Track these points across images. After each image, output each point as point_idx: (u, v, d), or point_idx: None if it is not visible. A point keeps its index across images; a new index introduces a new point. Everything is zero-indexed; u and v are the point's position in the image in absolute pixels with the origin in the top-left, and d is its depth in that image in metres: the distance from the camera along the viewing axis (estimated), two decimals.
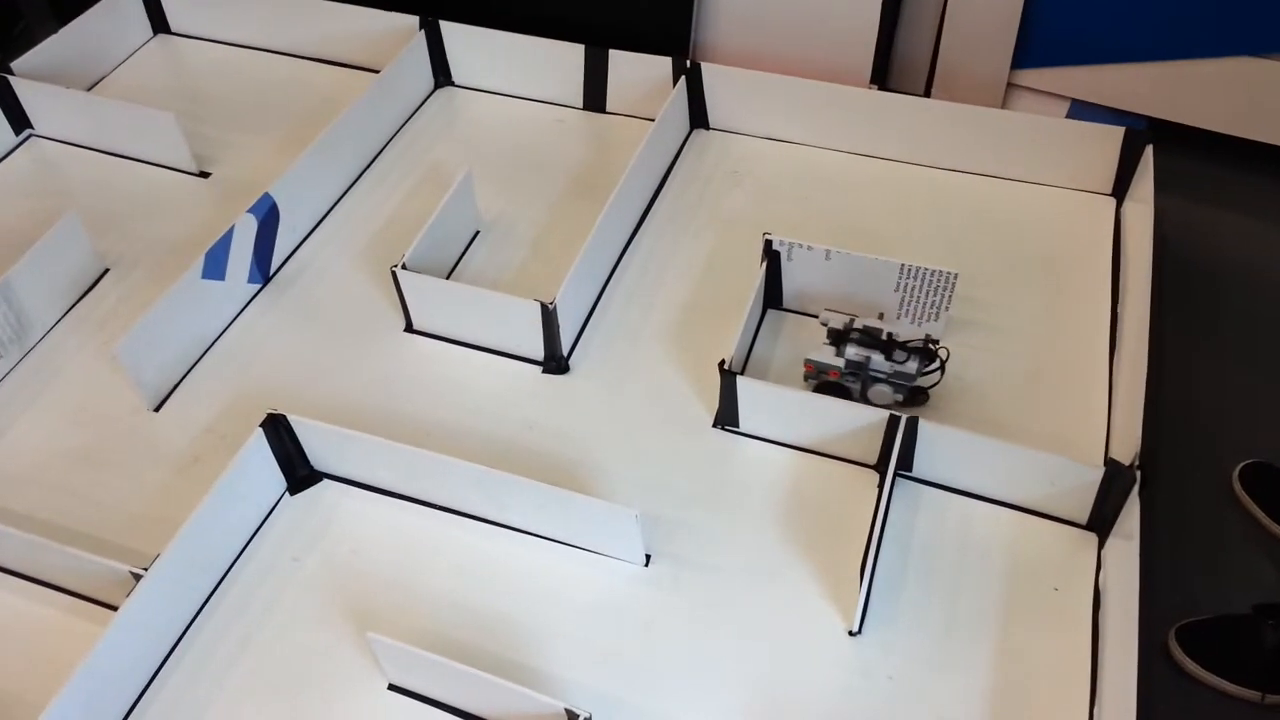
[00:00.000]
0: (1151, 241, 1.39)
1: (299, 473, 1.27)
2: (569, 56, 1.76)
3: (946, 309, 1.36)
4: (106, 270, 1.55)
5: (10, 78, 1.73)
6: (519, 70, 1.81)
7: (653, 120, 1.62)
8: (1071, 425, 1.29)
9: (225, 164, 1.72)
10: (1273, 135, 1.71)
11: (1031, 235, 1.54)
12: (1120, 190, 1.58)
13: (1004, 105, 1.86)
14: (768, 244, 1.38)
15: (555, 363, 1.39)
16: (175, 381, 1.40)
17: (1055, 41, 1.77)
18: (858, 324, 1.29)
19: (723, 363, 1.26)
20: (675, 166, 1.69)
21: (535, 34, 1.76)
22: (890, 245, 1.50)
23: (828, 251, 1.36)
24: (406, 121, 1.80)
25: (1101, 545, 1.18)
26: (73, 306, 1.50)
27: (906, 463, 1.23)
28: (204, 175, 1.70)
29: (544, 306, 1.32)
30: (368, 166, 1.71)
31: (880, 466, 1.25)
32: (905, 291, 1.36)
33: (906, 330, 1.36)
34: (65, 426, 1.35)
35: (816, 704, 1.07)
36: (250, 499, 1.22)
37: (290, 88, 1.88)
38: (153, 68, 1.95)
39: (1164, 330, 1.50)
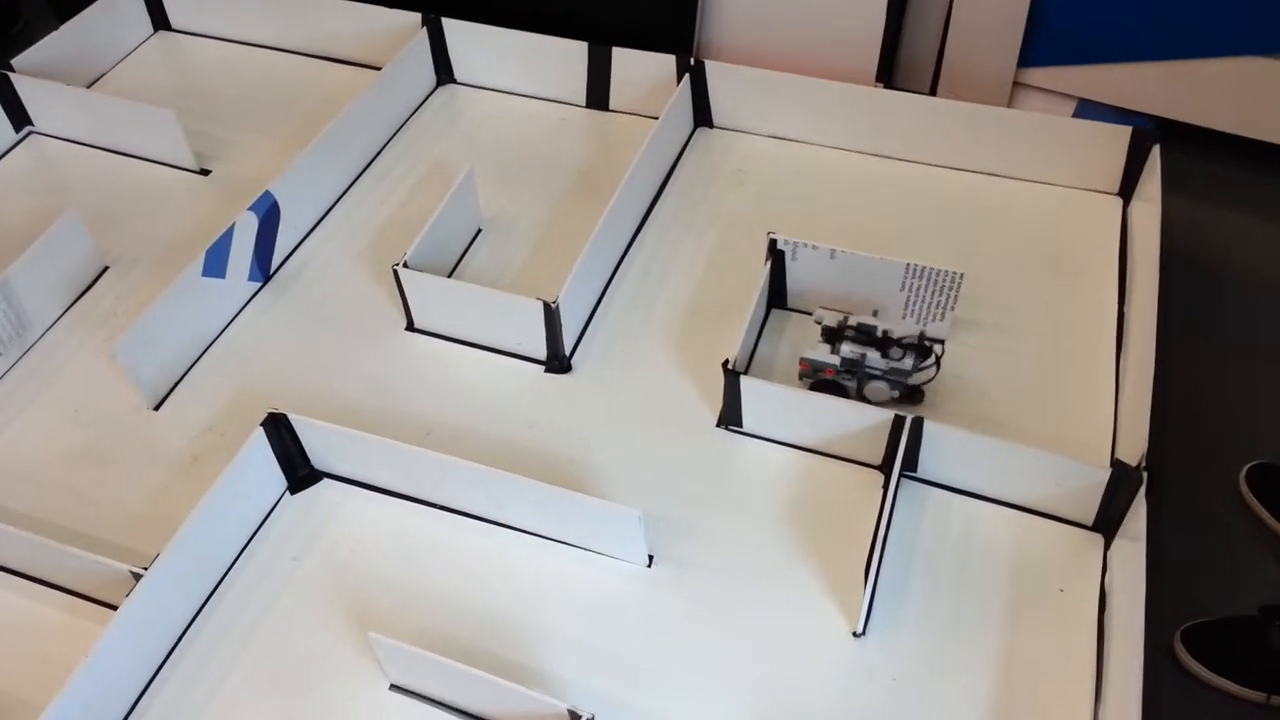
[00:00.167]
0: (1159, 241, 1.38)
1: (299, 472, 1.27)
2: (572, 54, 1.75)
3: (952, 309, 1.36)
4: (106, 268, 1.54)
5: (10, 74, 1.72)
6: (521, 68, 1.80)
7: (656, 118, 1.61)
8: (1078, 426, 1.29)
9: (226, 161, 1.71)
10: None
11: (1038, 235, 1.54)
12: (1127, 190, 1.57)
13: (1010, 104, 1.85)
14: (772, 243, 1.38)
15: (558, 362, 1.38)
16: (175, 380, 1.39)
17: (1062, 40, 1.77)
18: (852, 321, 1.28)
19: (726, 362, 1.26)
20: (679, 165, 1.68)
21: (538, 31, 1.76)
22: (895, 245, 1.49)
23: (832, 251, 1.35)
24: (408, 119, 1.79)
25: (1107, 547, 1.17)
26: (72, 304, 1.50)
27: (911, 463, 1.23)
28: (204, 173, 1.70)
29: (547, 305, 1.32)
30: (369, 164, 1.71)
31: (885, 467, 1.25)
32: (910, 291, 1.35)
33: (903, 327, 1.35)
34: (64, 425, 1.35)
35: (819, 705, 1.06)
36: (250, 498, 1.22)
37: (291, 85, 1.88)
38: (153, 65, 1.95)
39: (1171, 331, 1.49)
